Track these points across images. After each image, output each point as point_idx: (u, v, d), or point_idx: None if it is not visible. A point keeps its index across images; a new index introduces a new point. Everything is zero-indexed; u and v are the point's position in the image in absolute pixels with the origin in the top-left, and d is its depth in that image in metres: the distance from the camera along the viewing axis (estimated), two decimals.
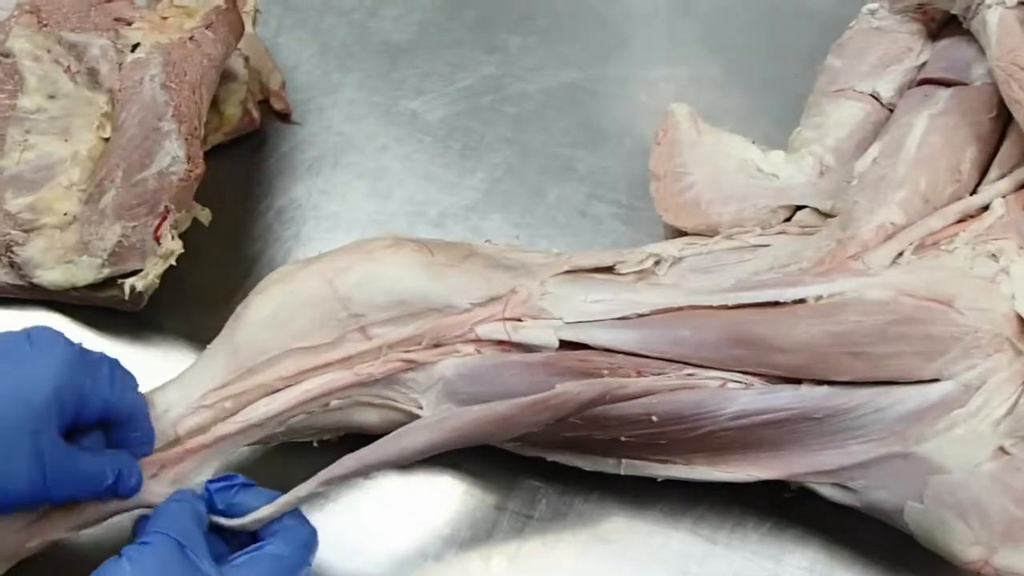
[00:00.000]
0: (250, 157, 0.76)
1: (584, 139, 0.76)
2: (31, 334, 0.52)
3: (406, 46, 0.80)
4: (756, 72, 0.78)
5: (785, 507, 0.61)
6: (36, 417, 0.49)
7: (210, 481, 0.56)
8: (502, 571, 0.61)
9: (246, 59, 0.76)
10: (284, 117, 0.78)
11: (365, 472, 0.55)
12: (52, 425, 0.50)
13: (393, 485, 0.64)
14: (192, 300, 0.70)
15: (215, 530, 0.55)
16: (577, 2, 0.83)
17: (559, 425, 0.55)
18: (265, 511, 0.54)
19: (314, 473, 0.58)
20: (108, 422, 0.54)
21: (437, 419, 0.55)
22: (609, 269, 0.60)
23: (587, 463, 0.59)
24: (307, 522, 0.55)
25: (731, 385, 0.55)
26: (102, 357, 0.54)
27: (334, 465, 0.54)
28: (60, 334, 0.53)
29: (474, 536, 0.62)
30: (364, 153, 0.76)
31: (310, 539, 0.55)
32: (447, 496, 0.63)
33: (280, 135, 0.77)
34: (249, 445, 0.60)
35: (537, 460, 0.61)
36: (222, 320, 0.61)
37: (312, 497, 0.54)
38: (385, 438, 0.56)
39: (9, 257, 0.67)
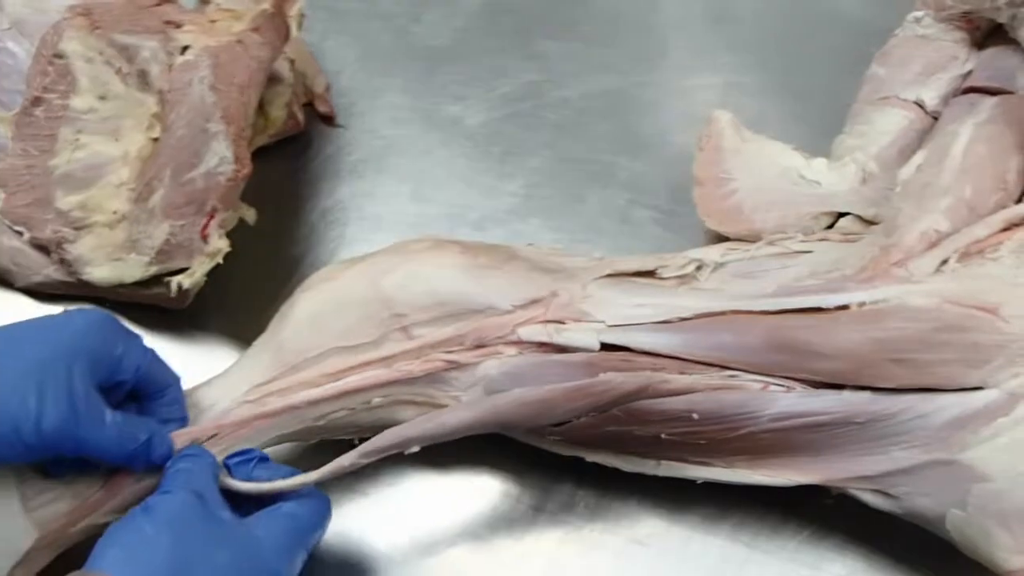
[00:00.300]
0: (294, 159, 0.77)
1: (624, 145, 0.76)
2: (68, 309, 0.56)
3: (448, 52, 0.81)
4: (796, 80, 0.78)
5: (824, 515, 0.61)
6: (71, 361, 0.52)
7: (229, 456, 0.57)
8: (538, 573, 0.61)
9: (291, 63, 0.77)
10: (328, 120, 0.79)
11: (404, 446, 0.56)
12: (85, 373, 0.52)
13: (431, 483, 0.64)
14: (236, 300, 0.71)
15: (232, 498, 0.56)
16: (617, 10, 0.83)
17: (601, 418, 0.56)
18: (299, 479, 0.56)
19: (351, 474, 0.59)
20: (141, 392, 0.57)
21: (477, 399, 0.56)
22: (651, 273, 0.61)
23: (626, 464, 0.59)
24: (321, 492, 0.57)
25: (773, 388, 0.55)
26: (138, 335, 0.57)
27: (374, 439, 0.56)
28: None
29: (511, 537, 0.63)
30: (406, 157, 0.77)
31: (324, 506, 0.57)
32: (485, 496, 0.64)
33: (324, 138, 0.78)
34: (290, 441, 0.61)
35: (575, 462, 0.61)
36: (265, 320, 0.63)
37: (353, 468, 0.56)
38: (425, 415, 0.57)
39: (60, 254, 0.68)
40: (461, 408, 0.56)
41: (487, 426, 0.56)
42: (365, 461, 0.56)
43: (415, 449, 0.57)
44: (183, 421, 0.58)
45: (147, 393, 0.57)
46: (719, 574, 0.60)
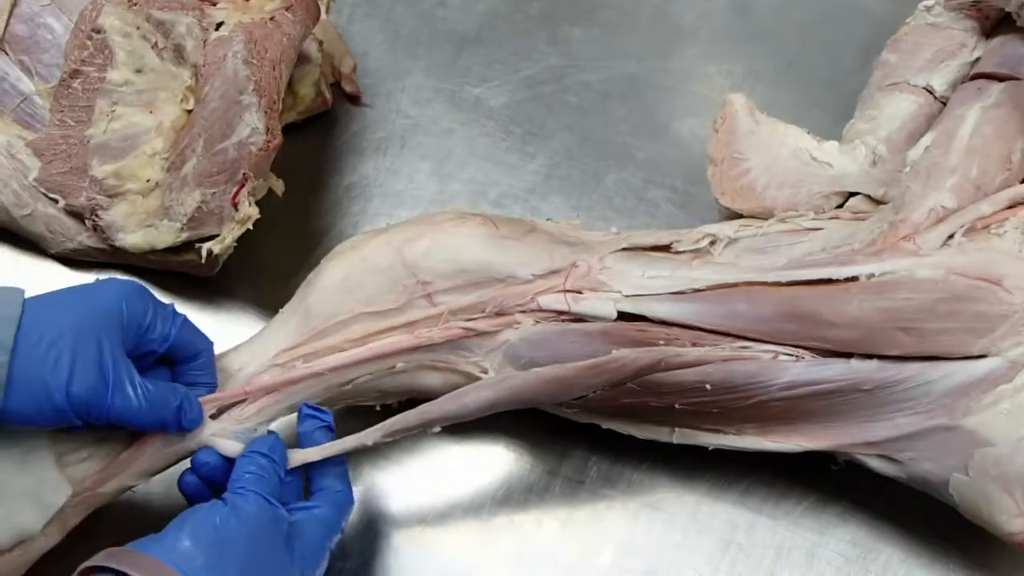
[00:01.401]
0: (322, 136, 0.79)
1: (642, 128, 0.78)
2: (100, 279, 0.58)
3: (472, 35, 0.84)
4: (811, 68, 0.80)
5: (829, 481, 0.63)
6: (102, 330, 0.54)
7: (307, 404, 0.60)
8: (553, 535, 0.64)
9: (320, 43, 0.79)
10: (354, 99, 0.81)
11: (427, 426, 0.58)
12: (116, 342, 0.54)
13: (449, 450, 0.67)
14: (263, 269, 0.73)
15: None
16: None
17: (617, 391, 0.58)
18: (333, 447, 0.58)
19: None
20: (173, 357, 0.58)
21: (497, 379, 0.58)
22: (666, 248, 0.63)
23: (641, 431, 0.61)
24: (350, 489, 0.59)
25: (783, 357, 0.57)
26: (170, 304, 0.58)
27: (397, 417, 0.58)
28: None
29: (526, 500, 0.65)
30: (429, 135, 0.79)
31: (348, 505, 0.58)
32: (501, 461, 0.66)
33: (350, 116, 0.80)
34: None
35: (590, 429, 0.63)
36: (291, 289, 0.65)
37: (376, 446, 0.58)
38: (446, 396, 0.59)
39: (93, 220, 0.70)
40: (481, 388, 0.58)
41: (506, 404, 0.58)
42: (388, 440, 0.58)
43: (437, 429, 0.59)
44: (212, 386, 0.60)
45: (179, 358, 0.59)
46: (728, 538, 0.62)
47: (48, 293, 0.56)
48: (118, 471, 0.58)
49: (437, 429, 0.59)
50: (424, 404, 0.59)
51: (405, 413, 0.58)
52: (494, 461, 0.66)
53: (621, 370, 0.57)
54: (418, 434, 0.65)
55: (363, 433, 0.58)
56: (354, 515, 0.64)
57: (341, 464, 0.59)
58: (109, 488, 0.59)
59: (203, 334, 0.60)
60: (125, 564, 0.48)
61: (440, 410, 0.58)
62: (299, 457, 0.58)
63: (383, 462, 0.66)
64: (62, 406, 0.52)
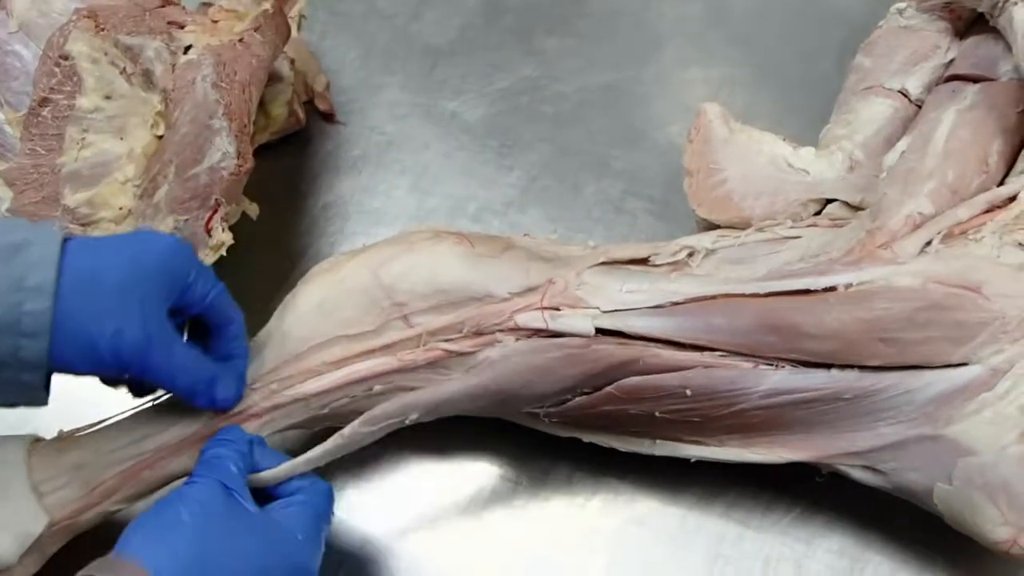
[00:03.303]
0: (296, 155, 0.79)
1: (619, 138, 0.78)
2: (138, 231, 0.60)
3: (446, 49, 0.83)
4: (787, 73, 0.80)
5: (815, 492, 0.62)
6: (149, 285, 0.54)
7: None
8: (538, 552, 0.63)
9: (292, 61, 0.78)
10: (328, 117, 0.80)
11: (404, 414, 0.59)
12: (161, 298, 0.54)
13: (431, 467, 0.66)
14: (240, 293, 0.71)
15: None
16: (612, 6, 0.85)
17: (597, 397, 0.57)
18: (305, 457, 0.58)
19: (353, 461, 0.64)
20: (207, 323, 0.58)
21: (474, 370, 0.58)
22: (644, 261, 0.62)
23: (622, 444, 0.61)
24: (322, 480, 0.58)
25: (763, 367, 0.56)
26: (208, 267, 0.59)
27: (375, 408, 0.58)
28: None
29: (510, 518, 0.64)
30: (405, 151, 0.79)
31: (329, 492, 0.58)
32: (484, 479, 0.66)
33: (325, 134, 0.80)
34: (295, 428, 0.63)
35: (572, 444, 0.63)
36: (268, 311, 0.64)
37: (355, 440, 0.59)
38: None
39: None
40: (460, 378, 0.58)
41: (485, 395, 0.58)
42: (366, 430, 0.58)
43: (415, 417, 0.59)
44: (245, 357, 0.60)
45: (213, 325, 0.58)
46: (715, 551, 0.62)
47: (94, 238, 0.57)
48: (100, 499, 0.58)
49: (415, 417, 0.59)
50: (403, 394, 0.59)
51: (385, 404, 0.58)
52: (477, 478, 0.66)
53: (599, 361, 0.57)
54: (400, 451, 0.66)
55: (340, 431, 0.58)
56: (338, 534, 0.64)
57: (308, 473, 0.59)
58: (89, 516, 0.58)
59: (235, 305, 0.60)
60: (102, 572, 0.48)
61: (419, 398, 0.58)
62: (269, 476, 0.58)
63: (363, 482, 0.66)
64: (106, 358, 0.52)
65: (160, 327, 0.54)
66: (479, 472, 0.66)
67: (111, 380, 0.58)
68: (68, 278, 0.52)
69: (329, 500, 0.58)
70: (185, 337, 0.59)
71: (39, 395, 0.54)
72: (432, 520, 0.65)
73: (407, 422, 0.59)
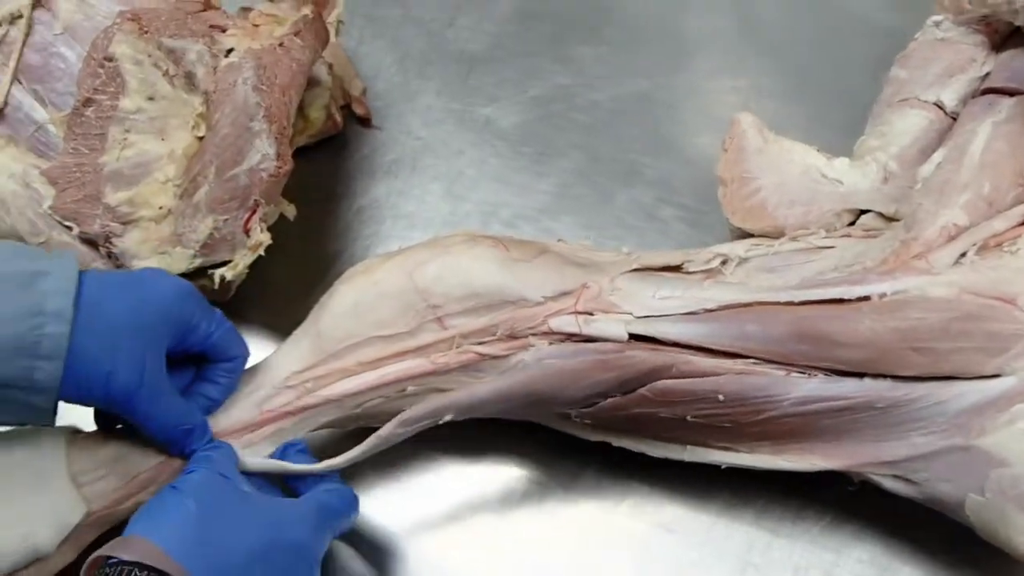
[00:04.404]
0: (332, 159, 0.80)
1: (652, 146, 0.78)
2: (147, 271, 0.61)
3: (481, 56, 0.84)
4: (819, 84, 0.80)
5: (845, 501, 0.62)
6: (151, 330, 0.56)
7: (274, 450, 0.61)
8: (566, 556, 0.63)
9: (330, 66, 0.79)
10: (365, 122, 0.81)
11: (438, 415, 0.60)
12: (162, 344, 0.56)
13: (461, 470, 0.67)
14: (275, 293, 0.74)
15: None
16: (646, 16, 0.85)
17: (629, 399, 0.58)
18: (344, 457, 0.59)
19: (384, 460, 0.65)
20: (205, 356, 0.60)
21: (509, 372, 0.58)
22: (677, 268, 0.63)
23: (653, 449, 0.61)
24: (349, 488, 0.60)
25: (795, 375, 0.57)
26: (217, 310, 0.60)
27: (410, 409, 0.59)
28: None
29: (538, 521, 0.65)
30: (440, 157, 0.80)
31: (352, 497, 0.60)
32: (513, 482, 0.66)
33: (361, 139, 0.81)
34: (327, 428, 0.64)
35: (602, 449, 0.63)
36: (303, 312, 0.65)
37: (392, 440, 0.60)
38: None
39: (107, 248, 0.71)
40: (492, 379, 0.59)
41: (518, 397, 0.59)
42: (402, 431, 0.59)
43: (448, 418, 0.59)
44: (226, 389, 0.61)
45: (211, 358, 0.60)
46: (744, 559, 0.62)
47: (104, 273, 0.59)
48: (137, 490, 0.59)
49: (449, 417, 0.60)
50: (436, 395, 0.60)
51: (419, 405, 0.59)
52: (506, 480, 0.66)
53: (632, 367, 0.58)
54: (431, 453, 0.67)
55: (379, 431, 0.59)
56: (366, 531, 0.65)
57: (332, 476, 0.61)
58: (126, 507, 0.59)
59: (243, 343, 0.62)
60: (113, 549, 0.50)
61: (453, 399, 0.59)
62: (304, 468, 0.60)
63: (393, 482, 0.67)
64: (97, 394, 0.55)
65: (152, 374, 0.56)
66: (508, 474, 0.66)
67: (106, 419, 0.60)
68: (81, 308, 0.54)
69: (348, 503, 0.60)
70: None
71: (47, 418, 0.56)
72: (460, 520, 0.65)
73: (440, 422, 0.60)
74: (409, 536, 0.65)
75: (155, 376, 0.56)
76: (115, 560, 0.49)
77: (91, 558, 0.51)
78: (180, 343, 0.58)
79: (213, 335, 0.60)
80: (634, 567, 0.62)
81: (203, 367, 0.61)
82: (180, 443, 0.58)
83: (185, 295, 0.59)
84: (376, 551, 0.65)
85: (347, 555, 0.65)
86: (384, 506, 0.66)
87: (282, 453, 0.61)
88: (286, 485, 0.61)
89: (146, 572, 0.48)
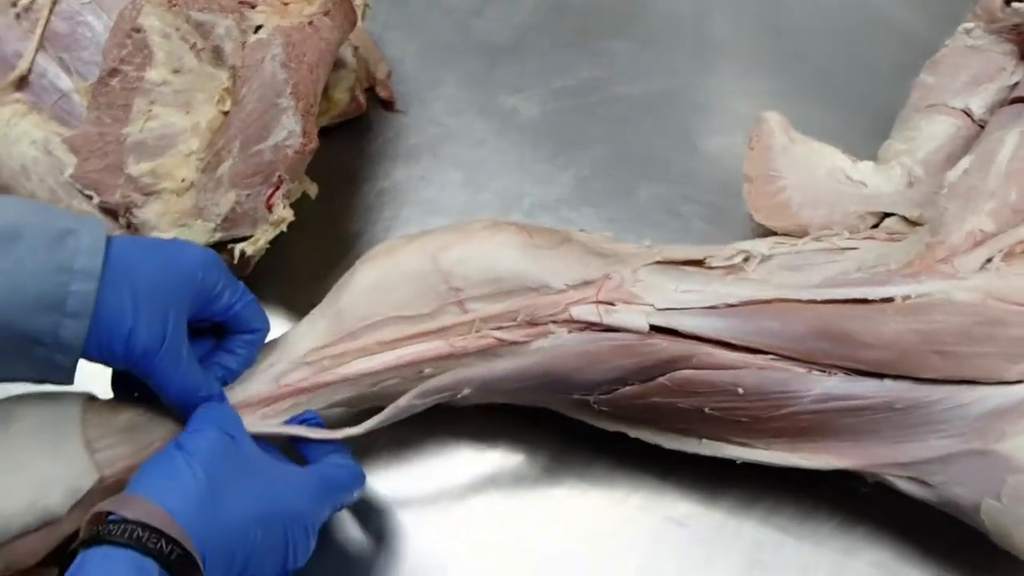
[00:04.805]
0: (354, 141, 0.80)
1: (675, 143, 0.79)
2: (174, 239, 0.63)
3: (507, 47, 0.84)
4: (845, 87, 0.80)
5: (856, 503, 0.62)
6: (175, 294, 0.56)
7: (289, 420, 0.61)
8: (576, 544, 0.64)
9: (355, 49, 0.79)
10: (388, 105, 0.81)
11: (457, 388, 0.60)
12: (183, 308, 0.56)
13: (474, 456, 0.67)
14: (293, 271, 0.74)
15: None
16: (673, 13, 0.86)
17: (649, 387, 0.58)
18: (362, 426, 0.60)
19: (398, 444, 0.66)
20: (225, 327, 0.60)
21: (532, 349, 0.59)
22: (699, 263, 0.63)
23: (668, 441, 0.61)
24: (358, 466, 0.61)
25: (815, 372, 0.57)
26: (240, 281, 0.61)
27: (429, 381, 0.59)
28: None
29: (549, 510, 0.65)
30: (462, 144, 0.80)
31: (358, 474, 0.60)
32: (524, 469, 0.66)
33: (384, 122, 0.81)
34: (340, 406, 0.63)
35: (615, 440, 0.63)
36: (320, 291, 0.65)
37: (408, 411, 0.60)
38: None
39: (127, 218, 0.70)
40: (512, 357, 0.59)
41: (537, 376, 0.59)
42: (419, 402, 0.59)
43: (467, 392, 0.60)
44: (245, 361, 0.62)
45: (232, 329, 0.61)
46: (752, 556, 0.62)
47: (132, 238, 0.61)
48: (148, 457, 0.58)
49: (467, 392, 0.60)
50: (458, 368, 0.60)
51: (439, 377, 0.59)
52: (517, 469, 0.66)
53: (652, 355, 0.58)
54: (444, 438, 0.67)
55: (396, 402, 0.59)
56: (377, 514, 0.65)
57: (340, 448, 0.61)
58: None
59: (265, 317, 0.62)
60: (116, 506, 0.50)
61: (473, 373, 0.59)
62: (320, 435, 0.60)
63: (407, 463, 0.67)
64: (118, 350, 0.55)
65: (173, 336, 0.56)
66: (519, 461, 0.66)
67: (123, 386, 0.61)
68: (108, 268, 0.54)
69: (353, 478, 0.60)
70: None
71: (67, 376, 0.56)
72: (469, 504, 0.65)
73: (459, 397, 0.60)
74: (417, 517, 0.65)
75: (176, 340, 0.56)
76: (117, 517, 0.50)
77: (93, 511, 0.51)
78: (202, 311, 0.58)
79: (235, 306, 0.60)
80: (642, 558, 0.63)
81: (223, 338, 0.62)
82: (190, 410, 0.58)
83: (211, 264, 0.59)
84: (383, 530, 0.65)
85: (352, 533, 0.65)
86: (394, 487, 0.66)
87: (296, 424, 0.61)
88: (298, 455, 0.61)
89: (148, 532, 0.49)
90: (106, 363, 0.57)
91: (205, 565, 0.50)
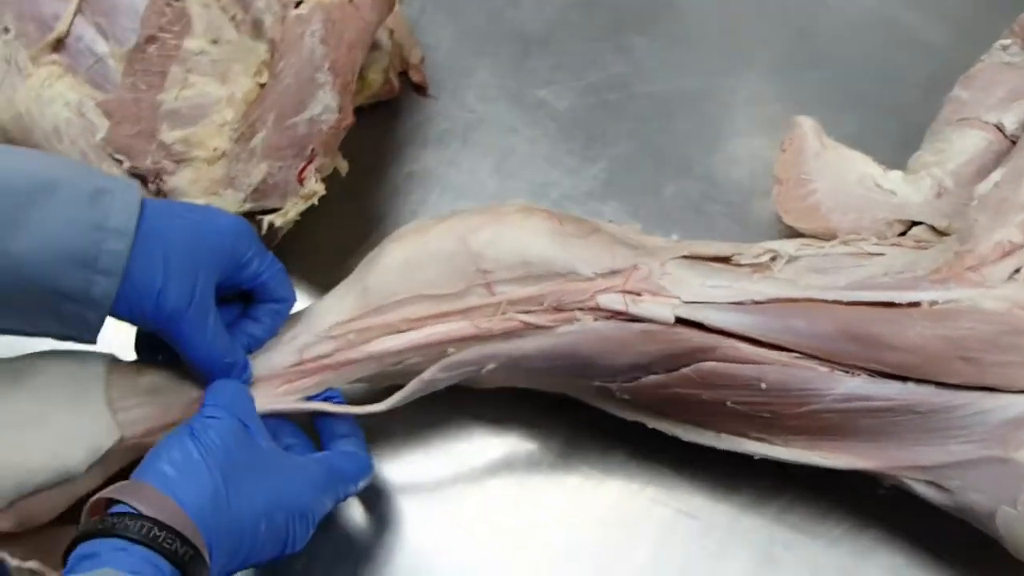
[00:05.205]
0: (385, 123, 0.80)
1: (703, 142, 0.79)
2: (212, 207, 0.63)
3: (540, 38, 0.84)
4: (870, 98, 0.80)
5: (869, 506, 0.63)
6: (205, 258, 0.56)
7: (310, 396, 0.62)
8: (589, 531, 0.64)
9: (390, 32, 0.80)
10: (421, 90, 0.82)
11: (482, 363, 0.60)
12: (212, 273, 0.57)
13: (489, 441, 0.67)
14: (317, 247, 0.74)
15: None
16: (705, 14, 0.86)
17: (672, 377, 0.58)
18: (386, 403, 0.61)
19: (415, 425, 0.66)
20: (252, 296, 0.61)
21: (555, 333, 0.59)
22: (727, 260, 0.63)
23: (687, 434, 0.61)
24: (368, 457, 0.61)
25: (839, 372, 0.57)
26: (269, 251, 0.61)
27: (454, 355, 0.60)
28: None
29: (564, 500, 0.65)
30: (492, 133, 0.80)
31: (366, 464, 0.61)
32: (540, 456, 0.67)
33: (415, 106, 0.81)
34: (362, 382, 0.64)
35: (632, 430, 0.63)
36: (343, 269, 0.66)
37: (432, 386, 0.61)
38: None
39: (157, 184, 0.71)
40: (540, 335, 0.59)
41: (562, 356, 0.59)
42: (444, 375, 0.60)
43: (491, 367, 0.60)
44: (269, 330, 0.62)
45: (258, 298, 0.61)
46: (765, 551, 0.63)
47: (165, 201, 0.62)
48: (170, 422, 0.59)
49: (492, 366, 0.60)
50: (481, 344, 0.60)
51: (464, 351, 0.60)
52: (533, 456, 0.67)
53: (678, 343, 0.58)
54: (461, 422, 0.67)
55: (420, 376, 0.60)
56: (394, 494, 0.65)
57: (357, 434, 0.61)
58: (155, 439, 0.59)
59: (292, 288, 0.63)
60: (129, 496, 0.50)
61: (497, 349, 0.60)
62: (341, 411, 0.61)
63: (424, 444, 0.67)
64: (147, 310, 0.55)
65: (202, 298, 0.56)
66: (535, 448, 0.67)
67: (148, 349, 0.61)
68: (141, 229, 0.55)
69: (360, 469, 0.60)
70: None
71: (92, 334, 0.57)
72: (483, 487, 0.66)
73: (483, 372, 0.60)
74: (430, 499, 0.66)
75: (204, 302, 0.56)
76: (131, 510, 0.49)
77: (102, 495, 0.51)
78: (231, 277, 0.59)
79: (263, 274, 0.60)
80: (655, 548, 0.63)
81: (249, 306, 0.62)
82: (220, 376, 0.58)
83: (243, 231, 0.59)
84: (391, 512, 0.65)
85: (359, 514, 0.65)
86: (406, 469, 0.66)
87: (319, 400, 0.62)
88: (315, 433, 0.62)
89: (164, 532, 0.48)
90: (134, 322, 0.57)
91: (212, 557, 0.50)
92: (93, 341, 0.57)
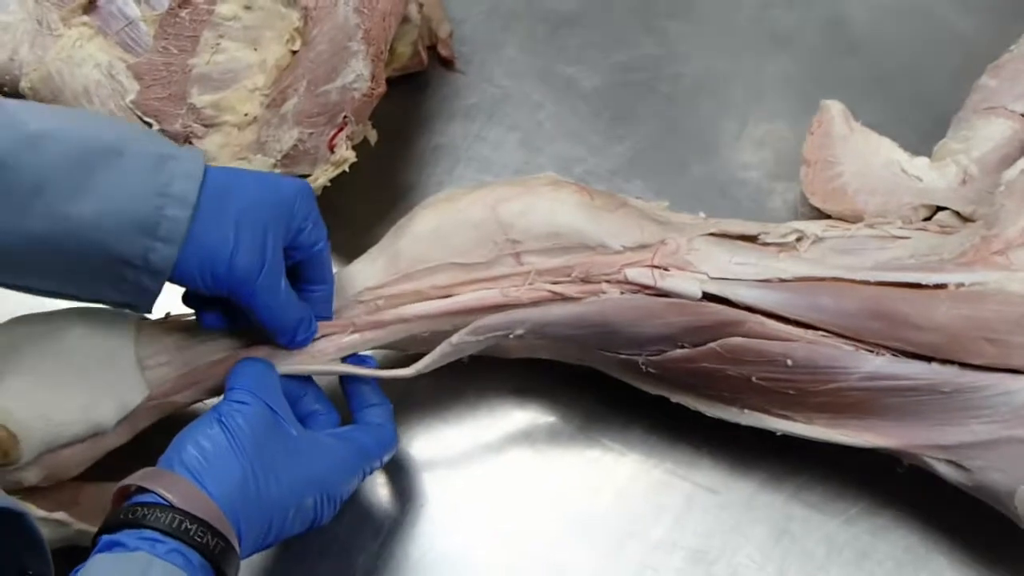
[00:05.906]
0: (413, 96, 0.81)
1: (730, 124, 0.79)
2: (277, 174, 0.64)
3: (570, 17, 0.85)
4: (900, 86, 0.81)
5: (886, 485, 0.64)
6: (273, 221, 0.56)
7: (345, 357, 0.62)
8: (608, 503, 0.65)
9: (420, 6, 0.80)
10: (449, 64, 0.82)
11: (511, 328, 0.61)
12: (280, 236, 0.57)
13: (510, 409, 0.68)
14: (342, 216, 0.73)
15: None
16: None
17: (699, 352, 0.59)
18: (414, 367, 0.61)
19: (437, 392, 0.67)
20: (299, 275, 0.60)
21: (585, 299, 0.60)
22: (753, 238, 0.64)
23: (709, 408, 0.62)
24: (394, 429, 0.61)
25: (864, 351, 0.58)
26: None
27: (483, 319, 0.60)
28: None
29: (584, 472, 0.66)
30: (519, 108, 0.80)
31: (391, 439, 0.61)
32: (560, 427, 0.67)
33: (443, 80, 0.82)
34: (389, 348, 0.65)
35: (652, 405, 0.64)
36: (368, 238, 0.66)
37: (459, 350, 0.62)
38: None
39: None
40: (569, 303, 0.60)
41: (591, 323, 0.60)
42: (472, 339, 0.60)
43: (519, 332, 0.61)
44: (323, 318, 0.61)
45: (304, 278, 0.60)
46: (781, 526, 0.63)
47: (228, 168, 0.62)
48: (196, 381, 0.60)
49: (520, 332, 0.61)
50: (511, 310, 0.61)
51: (493, 316, 0.60)
52: (554, 426, 0.67)
53: (706, 316, 0.59)
54: (481, 392, 0.68)
55: (449, 339, 0.60)
56: (416, 463, 0.66)
57: (384, 404, 0.61)
58: (183, 397, 0.61)
59: (331, 269, 0.62)
60: (158, 485, 0.50)
61: (526, 314, 0.60)
62: (370, 373, 0.61)
63: (447, 411, 0.68)
64: (220, 273, 0.55)
65: (274, 259, 0.56)
66: (557, 419, 0.67)
67: (199, 302, 0.60)
68: (206, 195, 0.55)
69: (384, 446, 0.60)
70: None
71: (149, 302, 0.57)
72: (504, 461, 0.66)
73: (511, 337, 0.61)
74: (451, 468, 0.66)
75: (275, 264, 0.56)
76: (162, 500, 0.49)
77: (128, 481, 0.51)
78: (292, 242, 0.58)
79: (318, 243, 0.60)
80: (673, 520, 0.64)
81: (301, 282, 0.61)
82: (291, 332, 0.59)
83: (306, 194, 0.59)
84: (416, 481, 0.66)
85: (380, 483, 0.66)
86: (431, 437, 0.67)
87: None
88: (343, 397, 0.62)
89: (196, 525, 0.48)
90: (204, 288, 0.56)
91: (240, 542, 0.51)
92: (149, 310, 0.57)
